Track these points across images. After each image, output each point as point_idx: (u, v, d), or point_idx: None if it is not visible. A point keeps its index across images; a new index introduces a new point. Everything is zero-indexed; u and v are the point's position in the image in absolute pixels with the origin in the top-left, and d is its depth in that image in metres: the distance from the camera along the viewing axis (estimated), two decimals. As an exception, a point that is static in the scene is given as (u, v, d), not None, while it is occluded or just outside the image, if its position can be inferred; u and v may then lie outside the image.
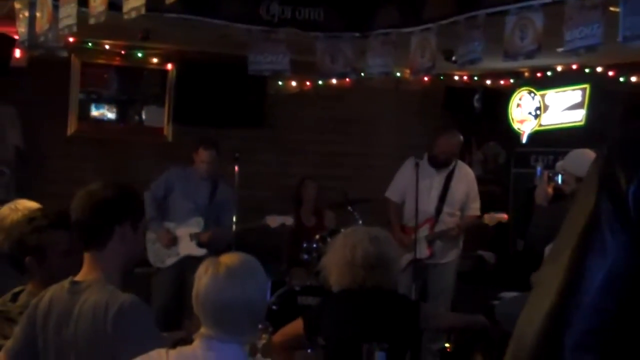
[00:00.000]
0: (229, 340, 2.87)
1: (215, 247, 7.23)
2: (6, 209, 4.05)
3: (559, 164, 6.16)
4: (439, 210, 7.55)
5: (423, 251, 7.44)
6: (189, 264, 6.80)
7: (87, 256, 3.14)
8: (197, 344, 2.89)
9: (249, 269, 2.97)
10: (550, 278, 1.53)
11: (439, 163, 7.59)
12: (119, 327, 2.92)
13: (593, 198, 1.49)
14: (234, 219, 7.47)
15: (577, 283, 1.46)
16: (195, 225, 7.55)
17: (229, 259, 2.95)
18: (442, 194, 7.57)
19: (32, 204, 4.07)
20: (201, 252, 7.33)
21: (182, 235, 7.52)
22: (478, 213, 7.62)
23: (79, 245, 3.18)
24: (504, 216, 7.54)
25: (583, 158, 5.86)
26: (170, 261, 7.52)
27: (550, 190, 6.04)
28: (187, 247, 7.48)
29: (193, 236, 7.49)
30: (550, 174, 6.15)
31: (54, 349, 3.06)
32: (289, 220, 7.68)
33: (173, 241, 7.49)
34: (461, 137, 7.76)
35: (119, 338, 2.92)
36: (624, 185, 1.45)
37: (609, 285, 1.45)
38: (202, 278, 2.90)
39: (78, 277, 3.11)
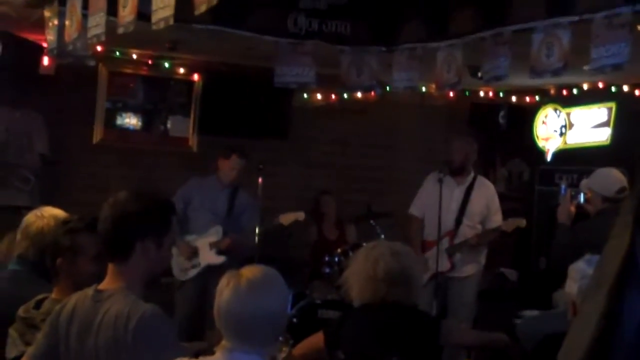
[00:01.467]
0: (250, 351, 2.87)
1: (236, 254, 7.26)
2: (32, 215, 4.09)
3: (583, 183, 6.13)
4: (458, 222, 7.54)
5: (444, 264, 7.42)
6: (211, 274, 6.83)
7: (111, 266, 3.15)
8: (218, 355, 2.90)
9: (270, 282, 2.97)
10: (588, 316, 1.51)
11: (455, 169, 7.59)
12: (140, 338, 2.93)
13: (628, 235, 1.48)
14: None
15: (614, 324, 1.45)
16: (214, 234, 7.57)
17: (250, 271, 2.95)
18: (461, 207, 7.56)
19: (58, 211, 4.10)
20: (221, 259, 7.38)
21: (202, 246, 7.54)
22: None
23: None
24: (522, 221, 7.49)
25: (609, 177, 5.84)
26: (192, 273, 7.54)
27: (573, 208, 6.01)
28: (207, 257, 7.49)
29: (212, 245, 7.51)
30: (573, 193, 6.12)
31: (75, 356, 3.07)
32: (301, 216, 7.71)
33: (193, 253, 7.52)
34: (474, 144, 7.72)
35: (140, 348, 2.93)
36: None
37: None
38: (224, 291, 2.90)
39: (101, 286, 3.13)
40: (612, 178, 5.83)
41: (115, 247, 3.13)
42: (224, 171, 7.63)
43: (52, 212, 4.07)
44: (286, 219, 7.67)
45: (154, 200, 3.21)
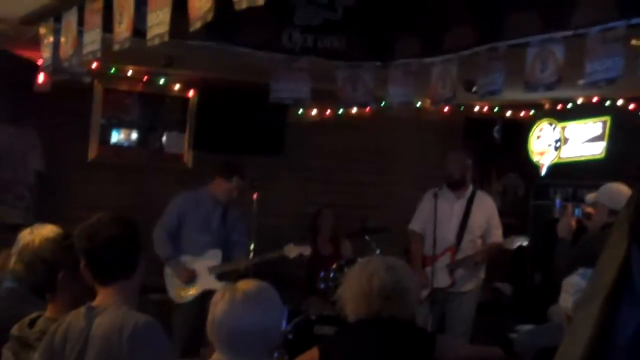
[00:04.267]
0: None
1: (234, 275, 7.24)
2: (25, 233, 4.07)
3: (590, 196, 6.13)
4: (459, 238, 7.52)
5: (445, 279, 7.41)
6: (209, 298, 6.77)
7: (104, 288, 3.17)
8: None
9: (265, 296, 2.99)
10: (581, 326, 1.51)
11: (453, 183, 7.59)
12: (135, 347, 2.94)
13: (624, 247, 1.47)
14: (252, 246, 7.46)
15: (608, 334, 1.44)
16: (212, 257, 7.50)
17: (245, 285, 2.99)
18: (462, 222, 7.55)
19: (50, 229, 4.05)
20: (220, 285, 7.29)
21: (200, 269, 7.46)
22: (501, 240, 7.58)
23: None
24: (524, 239, 7.49)
25: (618, 191, 5.86)
26: (190, 297, 7.46)
27: (574, 223, 6.01)
28: (206, 282, 7.38)
29: (211, 269, 7.45)
30: (575, 208, 6.13)
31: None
32: (307, 250, 7.59)
33: (192, 277, 7.44)
34: (468, 158, 7.73)
35: (135, 358, 2.93)
36: None
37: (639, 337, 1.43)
38: (219, 303, 2.94)
39: (94, 303, 3.13)
40: (621, 192, 5.84)
41: (122, 268, 3.16)
42: (223, 192, 7.59)
43: (44, 230, 4.04)
44: (291, 251, 7.51)
45: (126, 218, 3.28)
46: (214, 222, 7.60)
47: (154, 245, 7.37)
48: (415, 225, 7.76)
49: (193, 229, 7.53)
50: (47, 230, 4.00)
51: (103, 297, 3.14)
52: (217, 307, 2.95)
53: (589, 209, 6.05)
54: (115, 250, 3.14)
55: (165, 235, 7.43)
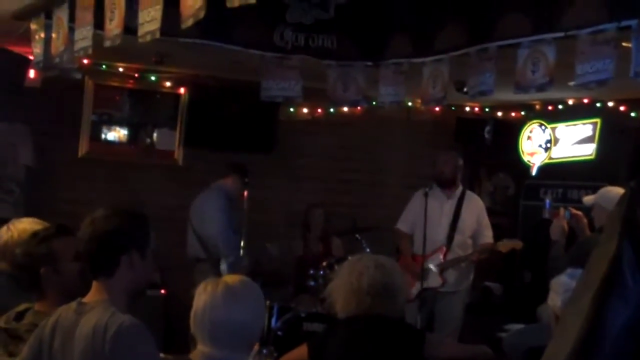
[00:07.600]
0: (221, 358, 2.93)
1: None
2: (4, 228, 4.06)
3: (588, 199, 6.13)
4: (450, 239, 7.55)
5: (435, 280, 7.43)
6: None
7: (95, 282, 3.16)
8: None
9: (246, 291, 3.05)
10: (571, 321, 1.53)
11: (444, 182, 7.62)
12: (116, 348, 2.93)
13: (615, 243, 1.49)
14: (242, 243, 7.52)
15: (597, 328, 1.46)
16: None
17: (230, 279, 3.07)
18: (452, 222, 7.57)
19: (29, 224, 4.03)
20: None
21: None
22: (492, 240, 7.62)
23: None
24: (518, 243, 7.52)
25: (617, 194, 5.87)
26: None
27: (566, 226, 6.02)
28: None
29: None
30: (567, 212, 6.13)
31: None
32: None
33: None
34: (459, 158, 7.79)
35: (116, 359, 2.93)
36: None
37: (629, 331, 1.44)
38: (201, 295, 3.00)
39: (85, 299, 3.14)
40: (619, 195, 5.84)
41: (101, 264, 3.14)
42: (237, 190, 7.74)
43: (21, 225, 4.03)
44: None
45: (132, 215, 3.24)
46: (236, 220, 7.68)
47: (221, 247, 7.46)
48: (402, 224, 7.79)
49: (231, 228, 7.61)
50: (24, 224, 3.99)
51: (93, 292, 3.15)
52: (200, 299, 3.01)
53: (576, 211, 6.06)
54: (94, 245, 3.13)
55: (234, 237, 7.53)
